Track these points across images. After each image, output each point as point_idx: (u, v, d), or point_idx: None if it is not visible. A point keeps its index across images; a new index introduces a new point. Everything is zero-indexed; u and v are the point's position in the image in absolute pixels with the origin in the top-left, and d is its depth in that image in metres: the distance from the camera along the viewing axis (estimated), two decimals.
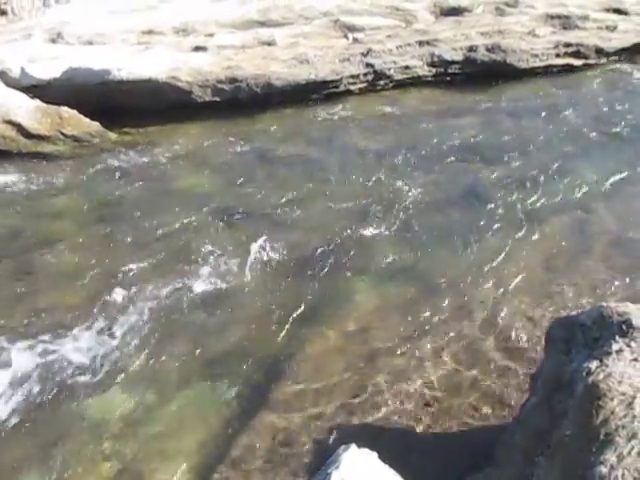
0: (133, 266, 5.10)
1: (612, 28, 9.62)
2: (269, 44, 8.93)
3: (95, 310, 4.60)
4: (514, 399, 3.71)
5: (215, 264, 5.10)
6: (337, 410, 3.73)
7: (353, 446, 2.87)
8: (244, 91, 8.04)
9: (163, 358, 4.20)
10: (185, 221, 5.72)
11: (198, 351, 4.25)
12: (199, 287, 4.84)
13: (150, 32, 9.23)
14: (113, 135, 7.43)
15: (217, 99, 8.01)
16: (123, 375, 4.07)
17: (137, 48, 8.66)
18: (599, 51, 9.22)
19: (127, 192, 6.29)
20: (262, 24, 9.62)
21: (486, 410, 3.69)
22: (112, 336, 4.36)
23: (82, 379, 4.04)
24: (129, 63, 7.91)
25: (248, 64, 8.23)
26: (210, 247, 5.32)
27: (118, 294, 4.74)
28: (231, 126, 7.72)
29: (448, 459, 3.41)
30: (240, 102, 8.03)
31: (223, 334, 4.40)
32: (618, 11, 10.23)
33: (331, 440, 3.46)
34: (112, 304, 4.66)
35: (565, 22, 9.66)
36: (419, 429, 3.59)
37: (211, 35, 9.18)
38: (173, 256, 5.23)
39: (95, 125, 7.38)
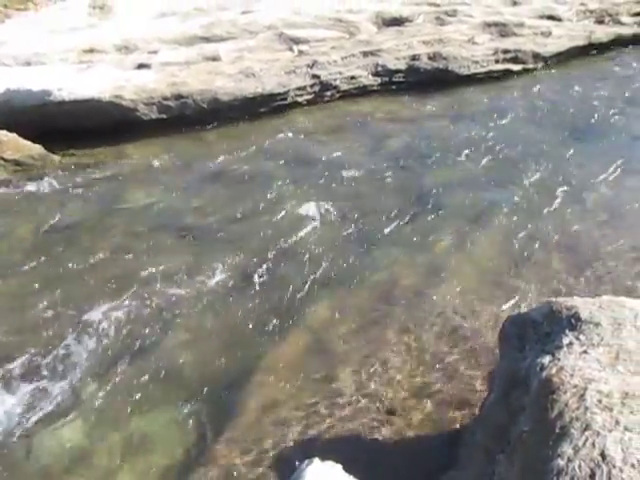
0: (81, 290, 4.94)
1: (547, 34, 10.01)
2: (214, 59, 8.87)
3: (41, 337, 4.42)
4: (476, 400, 3.74)
5: (167, 283, 4.99)
6: (298, 424, 3.67)
7: (316, 460, 2.83)
8: (190, 107, 7.95)
9: (118, 380, 4.07)
10: (136, 242, 5.58)
11: (154, 373, 4.13)
12: (153, 308, 4.72)
13: (91, 50, 9.03)
14: (57, 158, 7.18)
15: (164, 116, 7.88)
16: (74, 404, 3.91)
17: (78, 67, 8.43)
18: (536, 56, 9.57)
19: (73, 215, 6.09)
20: (206, 39, 9.55)
21: (450, 413, 3.70)
22: (60, 363, 4.18)
23: (29, 411, 3.85)
24: (70, 83, 7.69)
25: (193, 80, 8.15)
26: (163, 267, 5.20)
27: (66, 319, 4.57)
28: (180, 143, 7.61)
29: (414, 465, 3.41)
30: (187, 118, 7.93)
31: (179, 355, 4.29)
32: (552, 17, 10.65)
33: (293, 455, 3.39)
34: (60, 330, 4.48)
35: (502, 29, 9.99)
36: (383, 438, 3.57)
37: (154, 52, 9.06)
38: (123, 278, 5.08)
39: (37, 148, 7.10)
